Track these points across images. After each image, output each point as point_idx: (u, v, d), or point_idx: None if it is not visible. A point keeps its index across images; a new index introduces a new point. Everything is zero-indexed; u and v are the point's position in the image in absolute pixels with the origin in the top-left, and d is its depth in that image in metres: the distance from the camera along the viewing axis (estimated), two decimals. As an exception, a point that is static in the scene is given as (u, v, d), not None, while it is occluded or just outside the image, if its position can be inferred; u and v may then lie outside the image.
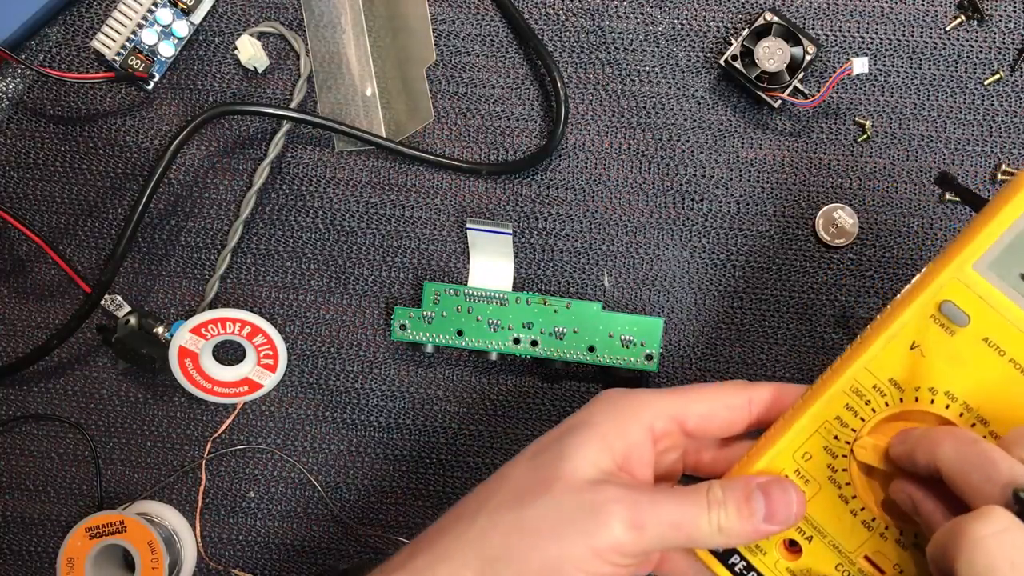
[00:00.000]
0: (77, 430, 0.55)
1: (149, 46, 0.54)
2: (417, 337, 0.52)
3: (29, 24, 0.54)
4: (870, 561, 0.35)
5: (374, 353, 0.54)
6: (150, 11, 0.54)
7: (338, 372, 0.54)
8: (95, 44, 0.54)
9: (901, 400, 0.34)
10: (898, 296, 0.35)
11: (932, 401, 0.34)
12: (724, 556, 0.36)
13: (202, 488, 0.54)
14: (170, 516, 0.54)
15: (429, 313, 0.52)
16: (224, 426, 0.54)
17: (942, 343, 0.34)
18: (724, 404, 0.37)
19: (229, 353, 0.54)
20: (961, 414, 0.34)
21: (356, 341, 0.54)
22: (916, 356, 0.34)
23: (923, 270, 0.35)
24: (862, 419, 0.35)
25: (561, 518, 0.33)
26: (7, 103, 0.55)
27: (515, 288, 0.53)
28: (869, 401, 0.35)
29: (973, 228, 0.34)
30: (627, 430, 0.36)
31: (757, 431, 0.38)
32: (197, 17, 0.55)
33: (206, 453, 0.55)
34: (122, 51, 0.54)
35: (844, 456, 0.35)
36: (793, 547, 0.36)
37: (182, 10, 0.54)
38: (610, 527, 0.33)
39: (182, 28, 0.54)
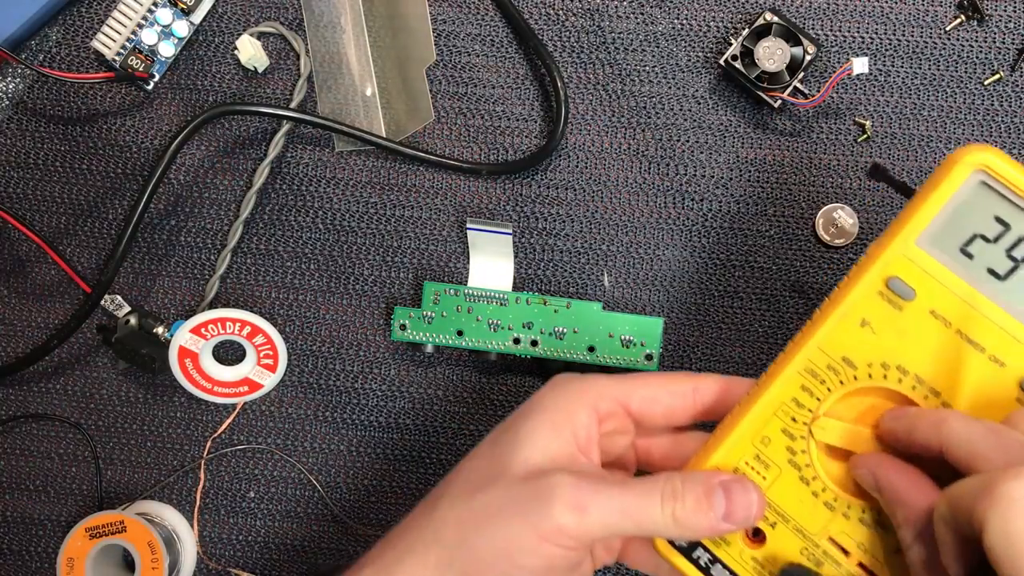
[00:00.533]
0: (77, 430, 0.55)
1: (149, 46, 0.54)
2: (417, 337, 0.52)
3: (29, 24, 0.54)
4: (835, 543, 0.35)
5: (374, 353, 0.54)
6: (150, 11, 0.54)
7: (338, 372, 0.54)
8: (95, 44, 0.54)
9: (855, 378, 0.35)
10: (846, 277, 0.36)
11: (885, 376, 0.35)
12: (687, 550, 0.36)
13: (201, 488, 0.54)
14: (170, 516, 0.54)
15: (429, 313, 0.52)
16: (224, 426, 0.54)
17: (891, 318, 0.35)
18: (668, 390, 0.38)
19: (229, 353, 0.54)
20: (914, 387, 0.34)
21: (356, 341, 0.54)
22: (867, 333, 0.35)
23: (867, 250, 0.35)
24: (818, 399, 0.35)
25: (508, 504, 0.34)
26: (7, 103, 0.55)
27: (515, 288, 0.53)
28: (824, 381, 0.35)
29: (914, 206, 0.35)
30: (574, 412, 0.36)
31: (707, 425, 0.38)
32: (197, 17, 0.55)
33: (206, 453, 0.55)
34: (122, 51, 0.54)
35: (803, 438, 0.35)
36: (757, 535, 0.36)
37: (182, 10, 0.54)
38: (552, 510, 0.33)
39: (182, 28, 0.54)
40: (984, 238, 0.34)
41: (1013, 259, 0.34)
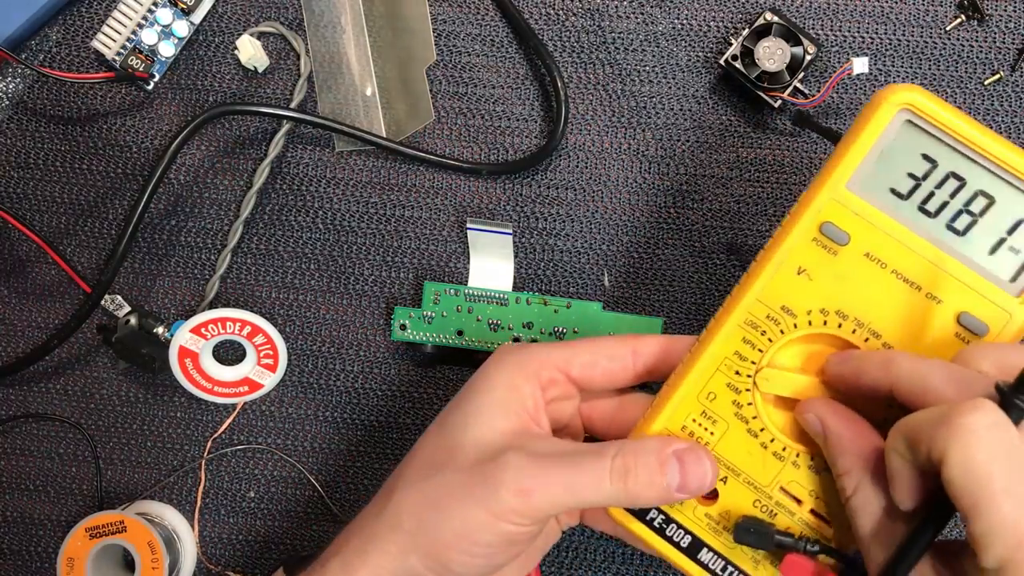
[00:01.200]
0: (77, 430, 0.55)
1: (149, 46, 0.54)
2: (417, 337, 0.52)
3: (29, 24, 0.54)
4: (787, 492, 0.35)
5: (374, 353, 0.54)
6: (150, 11, 0.54)
7: (338, 372, 0.54)
8: (95, 44, 0.54)
9: (796, 326, 0.35)
10: (779, 227, 0.36)
11: (825, 322, 0.35)
12: (641, 514, 0.36)
13: (201, 488, 0.54)
14: (170, 516, 0.54)
15: (429, 313, 0.52)
16: (224, 426, 0.54)
17: (827, 264, 0.35)
18: (606, 354, 0.38)
19: (229, 353, 0.54)
20: (854, 331, 0.35)
21: (356, 341, 0.54)
22: (804, 280, 0.35)
23: (799, 198, 0.35)
24: (760, 351, 0.35)
25: (460, 489, 0.35)
26: (7, 103, 0.55)
27: (515, 288, 0.53)
28: (765, 332, 0.35)
29: (841, 150, 0.35)
30: (518, 385, 0.37)
31: (651, 387, 0.38)
32: (197, 17, 0.55)
33: (206, 453, 0.55)
34: (122, 51, 0.54)
35: (748, 390, 0.36)
36: (709, 492, 0.36)
37: (182, 10, 0.54)
38: (499, 494, 0.34)
39: (182, 28, 0.54)
40: (913, 177, 0.34)
41: (943, 196, 0.34)
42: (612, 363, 0.38)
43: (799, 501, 0.35)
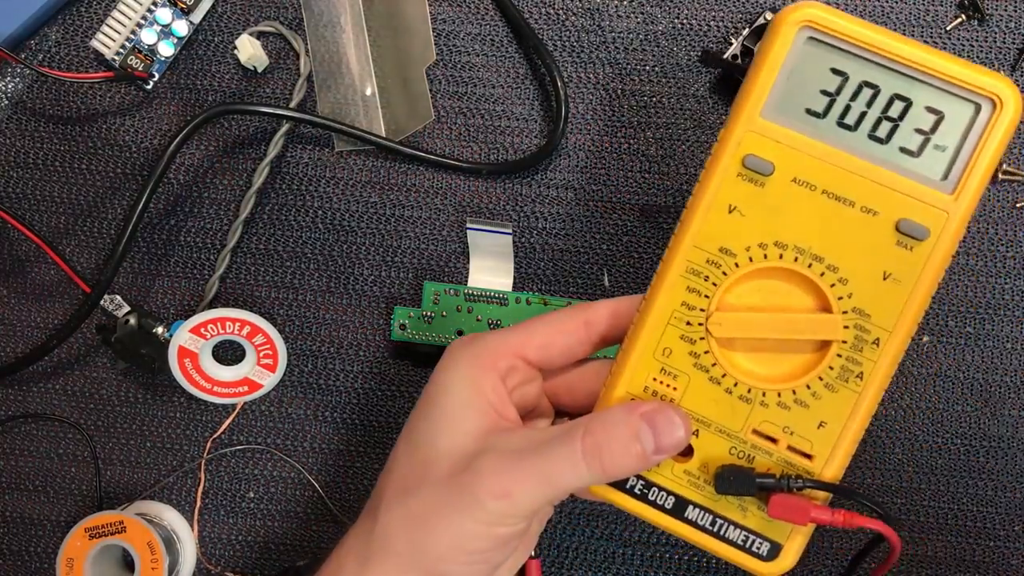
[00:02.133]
0: (77, 430, 0.55)
1: (148, 46, 0.54)
2: (417, 337, 0.52)
3: (29, 24, 0.54)
4: (759, 434, 0.35)
5: (374, 353, 0.54)
6: (149, 11, 0.54)
7: (338, 372, 0.54)
8: (94, 44, 0.54)
9: (737, 265, 0.35)
10: (702, 170, 0.35)
11: (766, 256, 0.34)
12: (620, 483, 0.36)
13: (200, 488, 0.54)
14: (170, 516, 0.54)
15: (429, 313, 0.52)
16: (224, 426, 0.54)
17: (756, 197, 0.34)
18: (558, 330, 0.38)
19: (229, 353, 0.54)
20: (796, 259, 0.34)
21: (356, 341, 0.54)
22: (737, 218, 0.35)
23: (718, 136, 0.35)
24: (707, 296, 0.35)
25: (442, 504, 0.35)
26: (7, 103, 0.55)
27: (515, 288, 0.53)
28: (708, 277, 0.35)
29: (751, 80, 0.34)
30: (479, 382, 0.37)
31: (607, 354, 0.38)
32: (197, 17, 0.55)
33: (205, 453, 0.54)
34: (121, 51, 0.54)
35: (702, 339, 0.35)
36: (684, 448, 0.36)
37: (182, 10, 0.54)
38: (482, 503, 0.34)
39: (182, 28, 0.54)
40: (826, 93, 0.34)
41: (859, 107, 0.34)
42: (567, 338, 0.38)
43: (774, 440, 0.35)
